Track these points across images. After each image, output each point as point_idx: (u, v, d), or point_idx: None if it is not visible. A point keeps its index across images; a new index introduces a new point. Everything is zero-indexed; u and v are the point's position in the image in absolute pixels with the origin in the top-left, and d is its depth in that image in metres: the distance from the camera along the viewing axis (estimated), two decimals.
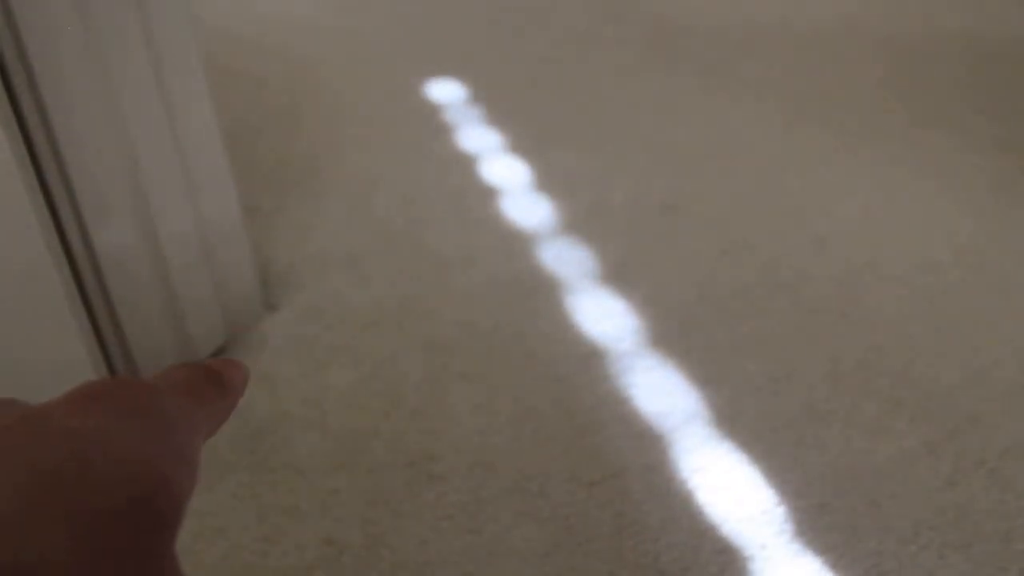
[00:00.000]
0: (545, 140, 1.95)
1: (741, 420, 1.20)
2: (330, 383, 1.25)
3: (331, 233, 1.59)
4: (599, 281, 1.48)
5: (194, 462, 0.24)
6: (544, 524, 1.04)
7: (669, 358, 1.31)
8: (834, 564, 1.00)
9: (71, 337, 0.95)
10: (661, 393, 1.24)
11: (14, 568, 0.17)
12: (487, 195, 1.73)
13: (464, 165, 1.85)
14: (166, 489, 0.21)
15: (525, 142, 1.95)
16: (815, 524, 1.05)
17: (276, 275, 1.46)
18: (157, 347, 1.16)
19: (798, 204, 1.70)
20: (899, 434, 1.17)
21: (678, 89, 2.23)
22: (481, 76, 2.30)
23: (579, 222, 1.64)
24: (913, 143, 1.95)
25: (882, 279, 1.48)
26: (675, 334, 1.35)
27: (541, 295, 1.44)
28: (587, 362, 1.30)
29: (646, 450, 1.15)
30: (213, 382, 0.29)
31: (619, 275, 1.49)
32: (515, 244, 1.57)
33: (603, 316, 1.39)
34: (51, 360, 0.95)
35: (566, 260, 1.53)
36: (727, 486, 1.10)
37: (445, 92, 2.20)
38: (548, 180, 1.79)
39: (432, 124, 2.03)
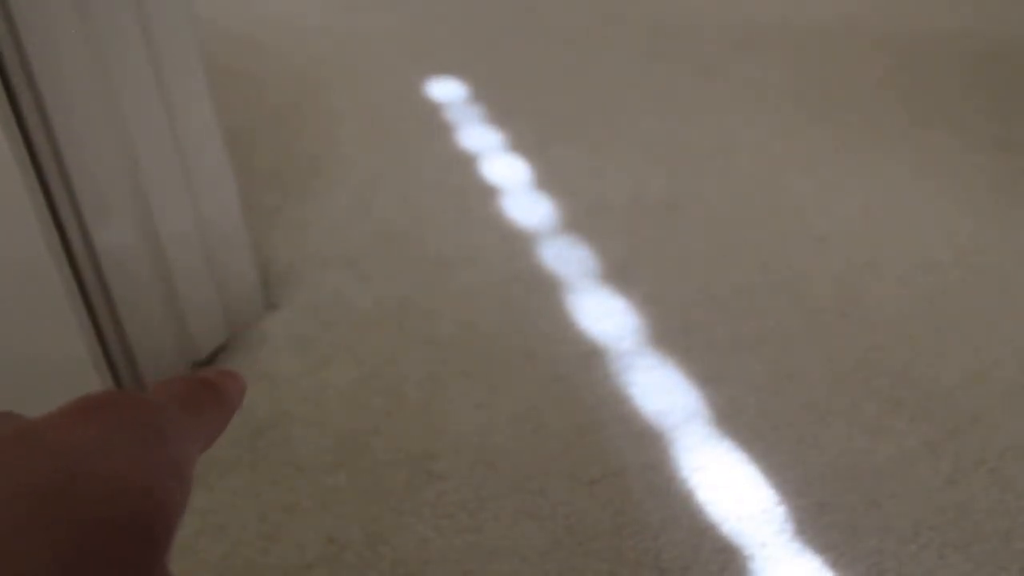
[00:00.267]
0: (546, 139, 1.95)
1: (741, 419, 1.20)
2: (330, 382, 1.25)
3: (331, 232, 1.59)
4: (599, 280, 1.48)
5: (188, 476, 0.24)
6: (544, 523, 1.04)
7: (669, 357, 1.31)
8: (834, 563, 1.00)
9: (72, 336, 0.95)
10: (661, 392, 1.24)
11: None
12: (487, 194, 1.73)
13: (464, 164, 1.85)
14: (158, 504, 0.21)
15: (526, 141, 1.95)
16: (815, 523, 1.05)
17: (277, 274, 1.46)
18: (158, 346, 1.16)
19: (798, 203, 1.70)
20: (899, 433, 1.17)
21: (679, 88, 2.23)
22: (482, 75, 2.30)
23: (580, 221, 1.64)
24: (913, 142, 1.95)
25: (882, 279, 1.48)
26: (675, 333, 1.35)
27: (541, 294, 1.44)
28: (587, 361, 1.30)
29: (646, 449, 1.15)
30: (209, 395, 0.29)
31: (619, 274, 1.49)
32: (515, 243, 1.57)
33: (603, 315, 1.39)
34: (52, 360, 0.95)
35: (566, 259, 1.53)
36: (727, 485, 1.10)
37: (446, 91, 2.20)
38: (548, 179, 1.79)
39: (433, 123, 2.03)
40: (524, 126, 2.02)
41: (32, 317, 0.92)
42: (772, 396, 1.23)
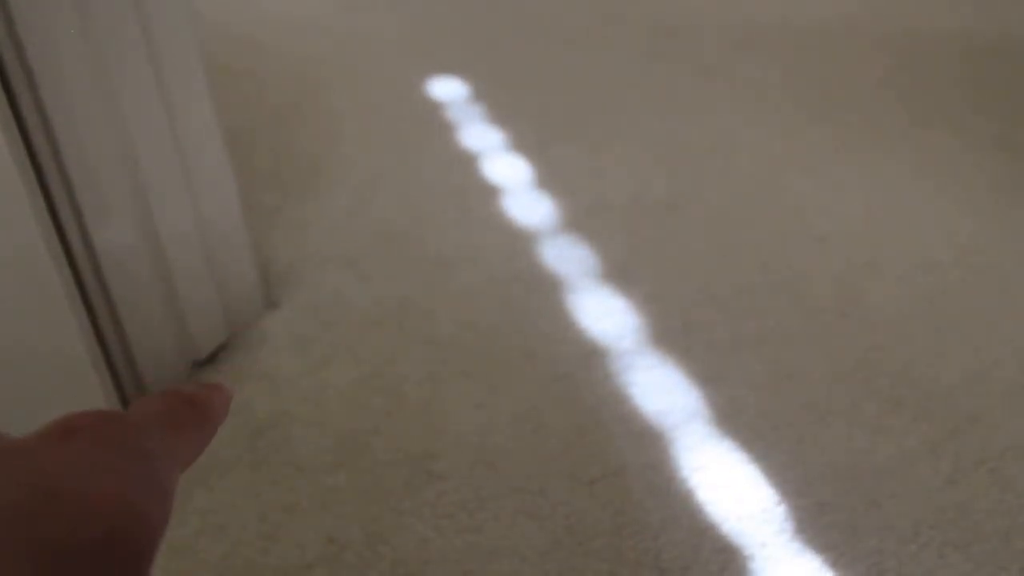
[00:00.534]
0: (546, 138, 1.95)
1: (741, 419, 1.20)
2: (330, 381, 1.25)
3: (332, 232, 1.59)
4: (600, 279, 1.48)
5: (168, 495, 0.24)
6: (544, 522, 1.04)
7: (670, 356, 1.31)
8: (834, 563, 1.00)
9: (71, 337, 0.95)
10: (662, 391, 1.24)
11: None
12: (488, 193, 1.73)
13: (465, 163, 1.85)
14: (138, 523, 0.21)
15: (526, 141, 1.95)
16: (815, 523, 1.05)
17: (277, 273, 1.46)
18: (158, 346, 1.16)
19: (799, 203, 1.70)
20: (899, 433, 1.17)
21: (679, 88, 2.23)
22: (482, 75, 2.30)
23: (580, 220, 1.64)
24: (913, 142, 1.95)
25: (882, 278, 1.48)
26: (676, 332, 1.35)
27: (542, 294, 1.44)
28: (588, 361, 1.30)
29: (646, 448, 1.15)
30: (191, 413, 0.28)
31: (620, 273, 1.49)
32: (516, 243, 1.57)
33: (604, 314, 1.39)
34: (51, 360, 0.95)
35: (567, 258, 1.53)
36: (727, 485, 1.10)
37: (446, 90, 2.20)
38: (549, 178, 1.79)
39: (433, 122, 2.03)
40: (524, 126, 2.02)
41: (31, 317, 0.92)
42: (772, 396, 1.23)
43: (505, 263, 1.51)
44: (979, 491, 1.08)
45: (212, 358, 1.27)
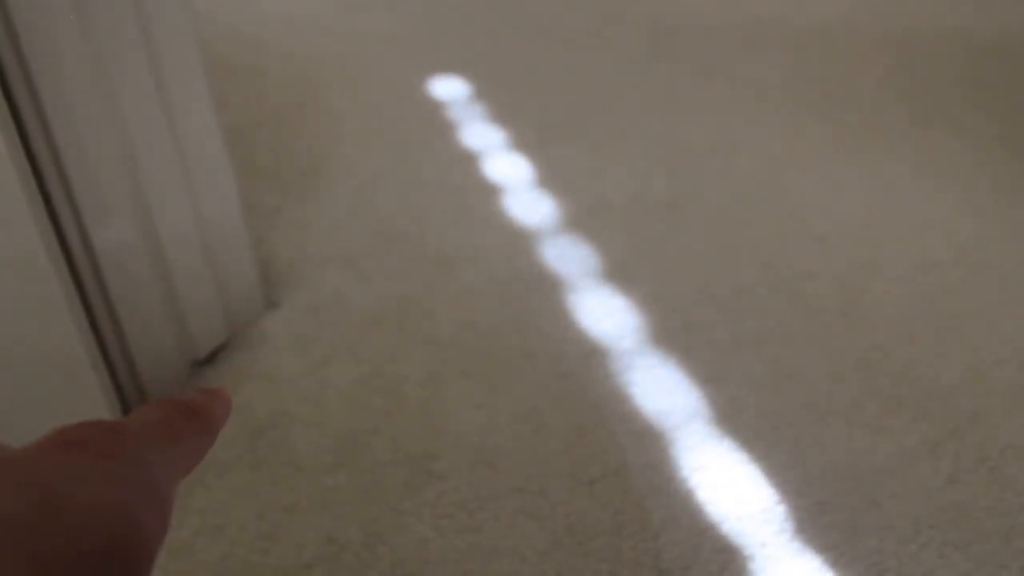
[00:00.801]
0: (547, 138, 1.95)
1: (742, 418, 1.20)
2: (330, 381, 1.25)
3: (332, 231, 1.59)
4: (600, 279, 1.48)
5: (166, 505, 0.24)
6: (544, 522, 1.04)
7: (670, 356, 1.31)
8: (834, 562, 1.00)
9: (69, 337, 0.95)
10: (662, 391, 1.24)
11: None
12: (488, 193, 1.73)
13: (465, 163, 1.85)
14: (135, 532, 0.21)
15: (527, 140, 1.95)
16: (815, 522, 1.04)
17: (277, 273, 1.46)
18: (157, 346, 1.16)
19: (799, 203, 1.70)
20: (900, 433, 1.17)
21: (679, 88, 2.23)
22: (483, 74, 2.30)
23: (581, 220, 1.64)
24: (914, 141, 1.95)
25: (883, 278, 1.48)
26: (676, 332, 1.35)
27: (542, 293, 1.44)
28: (588, 360, 1.30)
29: (647, 448, 1.15)
30: (190, 421, 0.28)
31: (621, 273, 1.49)
32: (516, 242, 1.57)
33: (604, 314, 1.39)
34: (49, 361, 0.95)
35: (567, 258, 1.53)
36: (727, 484, 1.10)
37: (448, 89, 2.20)
38: (550, 178, 1.79)
39: (434, 121, 2.03)
40: (525, 125, 2.01)
41: (29, 317, 0.92)
42: (772, 396, 1.23)
43: (505, 263, 1.51)
44: (979, 490, 1.08)
45: (212, 358, 1.27)
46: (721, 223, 1.63)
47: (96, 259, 1.03)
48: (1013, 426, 1.18)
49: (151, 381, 1.16)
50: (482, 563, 1.00)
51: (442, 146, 1.92)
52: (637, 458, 1.13)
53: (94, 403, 1.01)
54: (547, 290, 1.45)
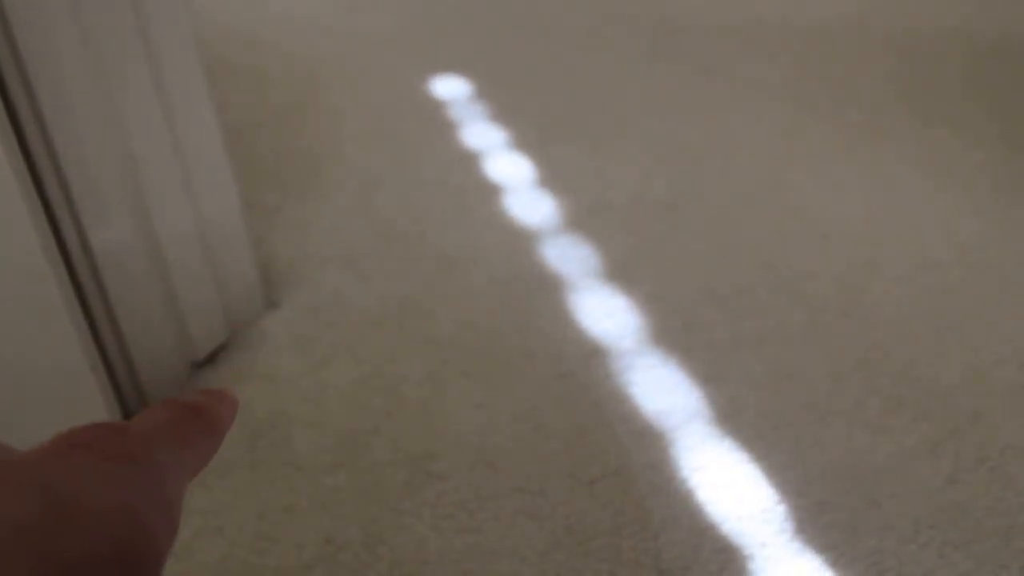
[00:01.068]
0: (548, 137, 1.95)
1: (742, 418, 1.19)
2: (330, 381, 1.25)
3: (333, 231, 1.59)
4: (601, 279, 1.48)
5: (175, 508, 0.24)
6: (544, 523, 1.04)
7: (670, 356, 1.31)
8: (834, 562, 1.00)
9: (68, 338, 0.95)
10: (662, 391, 1.24)
11: None
12: (489, 193, 1.73)
13: (466, 163, 1.84)
14: (144, 536, 0.21)
15: (528, 139, 1.94)
16: (815, 522, 1.04)
17: (277, 273, 1.46)
18: (156, 347, 1.16)
19: (800, 202, 1.70)
20: (900, 432, 1.17)
21: (681, 87, 2.23)
22: (484, 73, 2.30)
23: (581, 220, 1.64)
24: (916, 141, 1.94)
25: (884, 277, 1.47)
26: (677, 332, 1.35)
27: (543, 293, 1.44)
28: (588, 360, 1.30)
29: (647, 448, 1.15)
30: (198, 423, 0.28)
31: (621, 273, 1.49)
32: (517, 242, 1.57)
33: (605, 314, 1.39)
34: (47, 362, 0.95)
35: (568, 258, 1.53)
36: (728, 484, 1.10)
37: (449, 89, 2.20)
38: (551, 177, 1.79)
39: (435, 121, 2.03)
40: (526, 125, 2.01)
41: (27, 319, 0.92)
42: (773, 395, 1.23)
43: (506, 262, 1.51)
44: (979, 490, 1.08)
45: (211, 359, 1.27)
46: (721, 223, 1.63)
47: (95, 259, 1.03)
48: (1013, 426, 1.18)
49: (150, 382, 1.16)
50: (482, 563, 1.00)
51: (443, 146, 1.92)
52: (637, 458, 1.13)
53: (93, 404, 1.01)
54: (548, 290, 1.44)
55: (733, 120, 2.04)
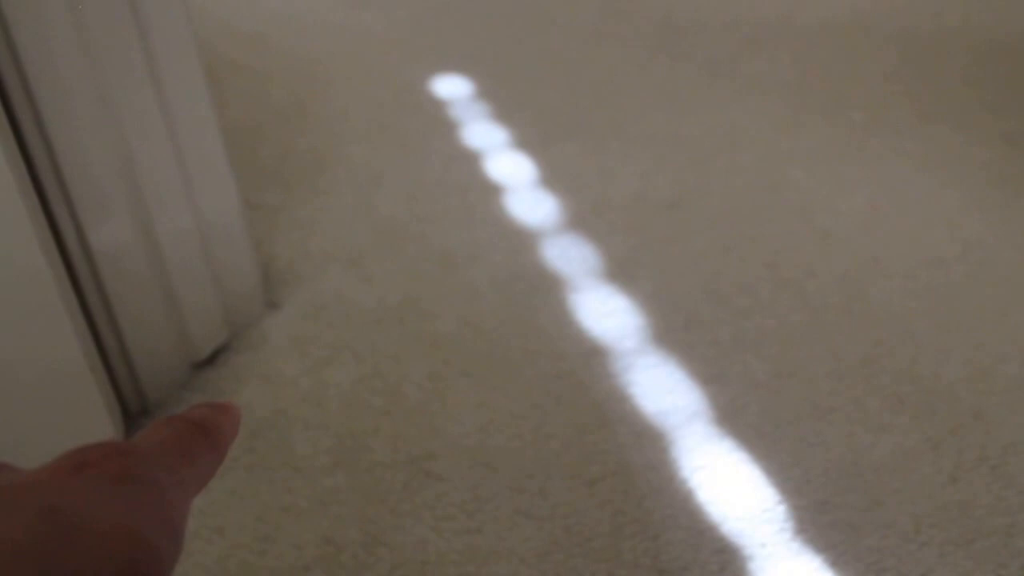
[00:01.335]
0: (550, 136, 1.95)
1: (743, 417, 1.19)
2: (331, 381, 1.25)
3: (334, 230, 1.58)
4: (603, 278, 1.48)
5: (180, 527, 0.24)
6: (543, 523, 1.04)
7: (672, 355, 1.31)
8: (834, 562, 0.99)
9: (66, 339, 0.95)
10: (663, 391, 1.24)
11: None
12: (491, 192, 1.73)
13: (469, 162, 1.84)
14: (151, 556, 0.21)
15: (530, 138, 1.94)
16: (816, 522, 1.04)
17: (278, 273, 1.46)
18: (156, 348, 1.16)
19: (803, 200, 1.70)
20: (901, 431, 1.16)
21: (684, 85, 2.22)
22: (486, 72, 2.30)
23: (583, 219, 1.64)
24: (920, 137, 1.94)
25: (887, 275, 1.47)
26: (678, 331, 1.35)
27: (544, 292, 1.43)
28: (589, 360, 1.29)
29: (647, 448, 1.15)
30: (201, 440, 0.28)
31: (623, 272, 1.49)
32: (518, 241, 1.57)
33: (606, 313, 1.38)
34: (47, 365, 0.95)
35: (570, 257, 1.52)
36: (728, 484, 1.09)
37: (451, 88, 2.20)
38: (552, 176, 1.79)
39: (437, 120, 2.03)
40: (528, 123, 2.01)
41: (25, 321, 0.92)
42: (774, 394, 1.23)
43: (507, 262, 1.51)
44: (981, 488, 1.08)
45: (212, 359, 1.27)
46: (724, 221, 1.63)
47: (94, 260, 1.04)
48: (1015, 424, 1.17)
49: (151, 383, 1.16)
50: (481, 564, 0.99)
51: (444, 145, 1.91)
52: (637, 458, 1.13)
53: (93, 406, 1.01)
54: (549, 289, 1.44)
55: (735, 118, 2.03)
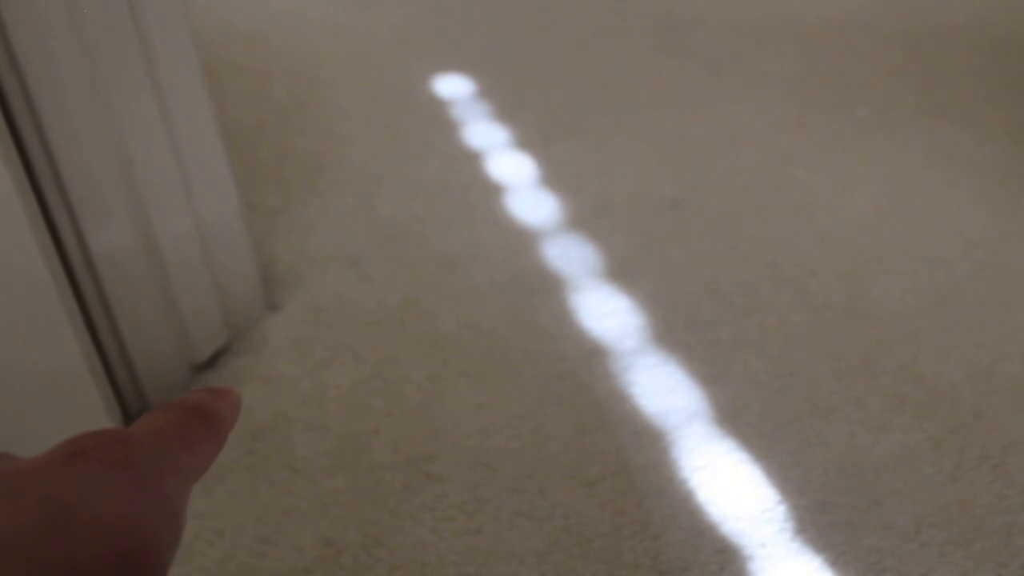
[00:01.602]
0: (552, 135, 1.95)
1: (744, 417, 1.19)
2: (331, 383, 1.25)
3: (334, 231, 1.59)
4: (604, 278, 1.47)
5: (180, 513, 0.24)
6: (543, 524, 1.04)
7: (672, 355, 1.30)
8: (834, 562, 0.99)
9: (67, 343, 0.95)
10: (663, 391, 1.24)
11: None
12: (492, 192, 1.73)
13: (470, 161, 1.84)
14: (150, 544, 0.21)
15: (531, 137, 1.94)
16: (816, 522, 1.04)
17: (278, 274, 1.46)
18: (156, 350, 1.16)
19: (806, 198, 1.69)
20: (902, 430, 1.16)
21: (686, 82, 2.22)
22: (488, 71, 2.30)
23: (584, 218, 1.64)
24: (925, 134, 1.93)
25: (889, 273, 1.46)
26: (679, 331, 1.35)
27: (545, 292, 1.43)
28: (589, 360, 1.29)
29: (647, 448, 1.15)
30: (201, 426, 0.28)
31: (624, 271, 1.49)
32: (519, 241, 1.57)
33: (607, 313, 1.38)
34: (47, 367, 0.95)
35: (570, 257, 1.52)
36: (728, 485, 1.09)
37: (452, 87, 2.20)
38: (554, 176, 1.79)
39: (438, 120, 2.03)
40: (530, 122, 2.01)
41: (26, 323, 0.92)
42: (775, 394, 1.23)
43: (508, 262, 1.51)
44: (981, 488, 1.07)
45: (212, 361, 1.27)
46: (726, 220, 1.63)
47: (93, 262, 1.04)
48: (1016, 423, 1.17)
49: (151, 385, 1.16)
50: (481, 565, 1.00)
51: (445, 145, 1.91)
52: (637, 458, 1.13)
53: (94, 408, 1.01)
54: (550, 289, 1.44)
55: (738, 116, 2.03)
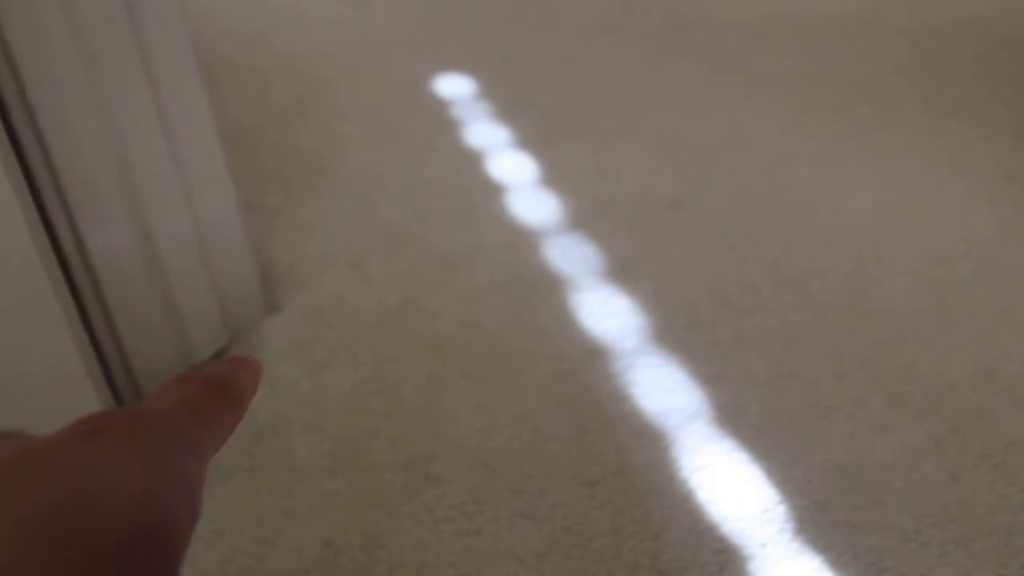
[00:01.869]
0: (553, 135, 1.94)
1: (744, 417, 1.19)
2: (331, 384, 1.24)
3: (334, 232, 1.58)
4: (604, 278, 1.47)
5: (198, 488, 0.24)
6: (543, 524, 1.04)
7: (673, 355, 1.30)
8: (834, 562, 0.99)
9: (65, 344, 0.95)
10: (664, 391, 1.23)
11: None
12: (493, 192, 1.73)
13: (470, 161, 1.84)
14: (167, 518, 0.21)
15: (532, 137, 1.94)
16: (816, 522, 1.04)
17: (278, 275, 1.46)
18: (156, 352, 1.16)
19: (808, 197, 1.69)
20: (903, 429, 1.16)
21: (688, 82, 2.21)
22: (489, 71, 2.29)
23: (585, 218, 1.63)
24: (929, 132, 1.93)
25: (891, 272, 1.46)
26: (680, 331, 1.35)
27: (545, 293, 1.43)
28: (590, 360, 1.29)
29: (647, 449, 1.14)
30: (219, 398, 0.28)
31: (625, 271, 1.48)
32: (520, 241, 1.57)
33: (607, 313, 1.38)
34: (45, 369, 0.95)
35: (571, 257, 1.52)
36: (728, 485, 1.09)
37: (453, 88, 2.19)
38: (555, 176, 1.79)
39: (439, 120, 2.03)
40: (531, 122, 2.01)
41: (24, 325, 0.92)
42: (776, 394, 1.22)
43: (508, 262, 1.51)
44: (981, 487, 1.07)
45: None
46: (727, 220, 1.62)
47: (92, 265, 1.04)
48: (1017, 422, 1.17)
49: (150, 387, 1.16)
50: (480, 566, 0.99)
51: (445, 145, 1.91)
52: (637, 458, 1.13)
53: (91, 410, 1.01)
54: (550, 289, 1.44)
55: (740, 115, 2.03)
